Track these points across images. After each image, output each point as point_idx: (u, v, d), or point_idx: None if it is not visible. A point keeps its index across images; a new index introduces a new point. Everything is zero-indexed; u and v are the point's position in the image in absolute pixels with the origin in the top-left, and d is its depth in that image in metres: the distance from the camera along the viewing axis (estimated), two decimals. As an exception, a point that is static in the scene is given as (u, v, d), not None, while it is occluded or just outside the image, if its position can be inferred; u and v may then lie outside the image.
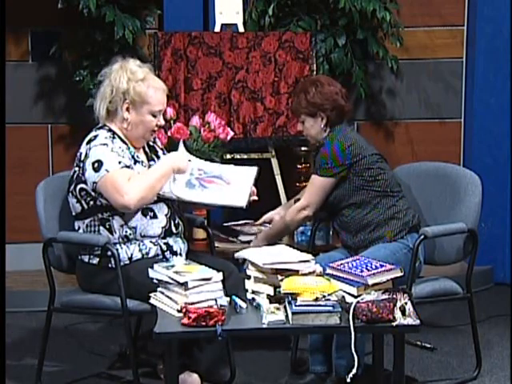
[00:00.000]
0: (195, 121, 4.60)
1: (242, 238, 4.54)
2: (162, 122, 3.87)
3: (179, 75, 4.87)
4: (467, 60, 5.67)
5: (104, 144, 3.72)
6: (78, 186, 3.75)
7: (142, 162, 3.83)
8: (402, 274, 3.44)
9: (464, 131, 5.76)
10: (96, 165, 3.68)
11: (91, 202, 3.75)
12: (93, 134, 3.80)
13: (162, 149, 4.03)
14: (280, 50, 4.93)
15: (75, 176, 3.77)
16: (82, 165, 3.73)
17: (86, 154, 3.73)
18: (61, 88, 5.50)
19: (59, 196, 3.97)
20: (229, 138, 4.66)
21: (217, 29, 5.00)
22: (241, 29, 5.01)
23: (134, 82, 3.77)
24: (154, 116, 3.80)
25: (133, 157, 3.79)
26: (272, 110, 4.94)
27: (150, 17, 5.28)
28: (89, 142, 3.76)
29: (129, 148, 3.81)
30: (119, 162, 3.69)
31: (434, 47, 5.67)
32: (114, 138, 3.77)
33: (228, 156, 4.84)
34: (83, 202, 3.77)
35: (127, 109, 3.78)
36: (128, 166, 3.72)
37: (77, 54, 5.26)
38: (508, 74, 5.47)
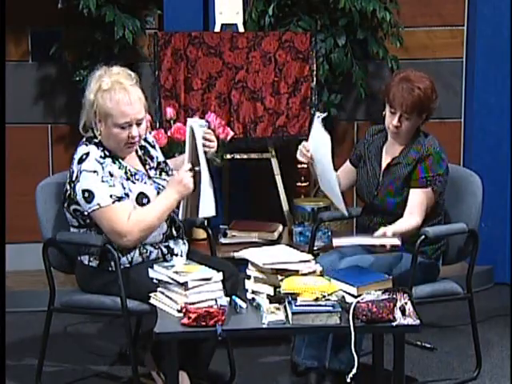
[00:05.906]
0: (195, 121, 4.59)
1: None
2: (135, 133, 3.62)
3: (179, 75, 4.87)
4: (467, 60, 5.67)
5: (94, 171, 3.58)
6: (72, 207, 3.69)
7: (136, 173, 3.70)
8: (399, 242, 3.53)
9: (464, 131, 5.75)
10: (86, 194, 3.57)
11: (87, 220, 3.69)
12: (84, 150, 3.66)
13: (153, 146, 3.88)
14: (280, 50, 4.93)
15: (67, 195, 3.68)
16: (73, 185, 3.62)
17: (77, 176, 3.61)
18: (61, 88, 5.49)
19: (59, 196, 3.95)
20: (229, 138, 4.66)
21: (217, 29, 5.00)
22: (241, 29, 5.01)
23: (99, 94, 3.62)
24: (123, 128, 3.61)
25: (126, 173, 3.67)
26: (272, 109, 4.94)
27: (150, 17, 5.28)
28: (80, 162, 3.62)
29: (120, 164, 3.68)
30: (110, 196, 3.57)
31: (433, 47, 5.66)
32: (104, 157, 3.64)
33: (228, 156, 4.84)
34: (79, 220, 3.72)
35: (99, 121, 3.65)
36: (119, 198, 3.59)
37: (77, 53, 5.25)
38: (508, 73, 5.46)
